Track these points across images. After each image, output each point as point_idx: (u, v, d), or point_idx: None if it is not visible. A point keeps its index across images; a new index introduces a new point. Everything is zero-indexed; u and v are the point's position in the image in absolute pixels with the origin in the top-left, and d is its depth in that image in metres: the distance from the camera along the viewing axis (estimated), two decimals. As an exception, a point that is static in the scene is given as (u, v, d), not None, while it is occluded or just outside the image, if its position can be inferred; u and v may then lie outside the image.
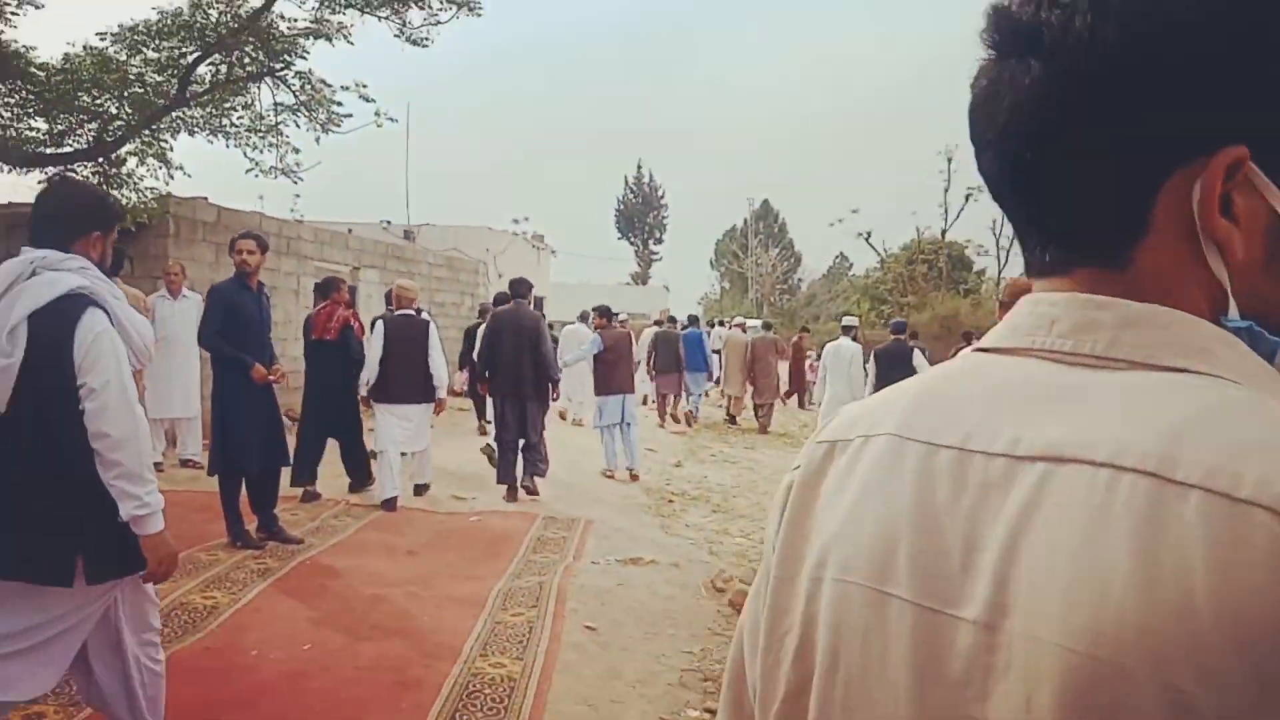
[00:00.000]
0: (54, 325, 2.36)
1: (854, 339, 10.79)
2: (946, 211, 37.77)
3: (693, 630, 4.67)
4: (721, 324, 21.69)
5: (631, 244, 60.03)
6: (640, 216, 59.71)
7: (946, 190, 37.41)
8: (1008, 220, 0.67)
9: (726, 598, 5.16)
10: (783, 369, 19.48)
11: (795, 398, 18.21)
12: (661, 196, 60.51)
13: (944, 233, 37.76)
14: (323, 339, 7.25)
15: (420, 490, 7.53)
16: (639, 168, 61.15)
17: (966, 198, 36.90)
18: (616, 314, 21.71)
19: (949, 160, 37.07)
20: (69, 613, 2.45)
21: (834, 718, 0.60)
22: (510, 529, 6.46)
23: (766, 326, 17.31)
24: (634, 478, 9.10)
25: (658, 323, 17.61)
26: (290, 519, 6.34)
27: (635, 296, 41.27)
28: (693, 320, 17.33)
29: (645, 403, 15.42)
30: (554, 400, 8.33)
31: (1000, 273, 39.75)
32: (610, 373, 9.37)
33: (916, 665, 0.56)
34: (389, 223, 20.57)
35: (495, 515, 6.92)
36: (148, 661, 2.67)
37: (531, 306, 8.31)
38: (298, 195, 29.36)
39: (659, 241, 60.35)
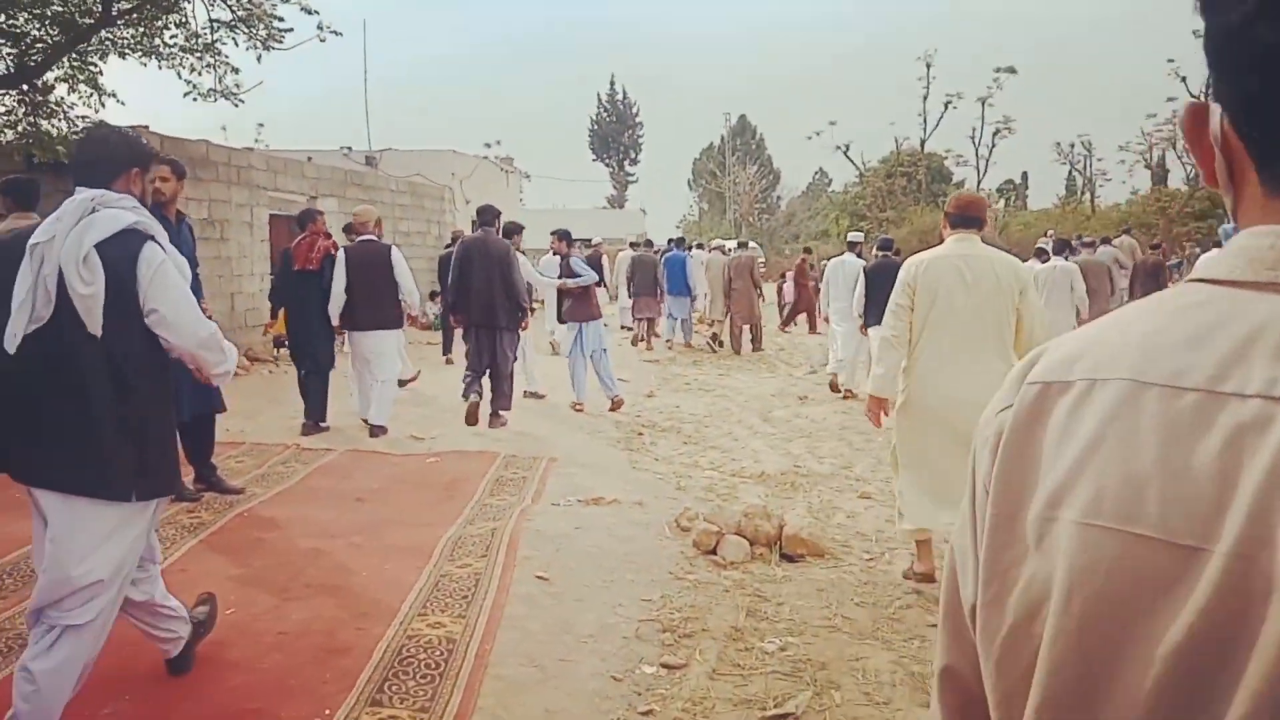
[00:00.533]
0: (118, 257, 2.61)
1: (858, 255, 10.62)
2: (925, 120, 37.02)
3: (653, 575, 4.40)
4: (700, 246, 21.12)
5: (606, 165, 58.82)
6: (615, 136, 58.36)
7: (925, 98, 36.59)
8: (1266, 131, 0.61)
9: (690, 538, 4.89)
10: (771, 291, 19.12)
11: (797, 320, 17.71)
12: (636, 114, 59.12)
13: (923, 143, 37.05)
14: (305, 269, 7.18)
15: (376, 432, 7.19)
16: (612, 84, 59.63)
17: (946, 105, 36.16)
18: (589, 239, 21.23)
19: (928, 66, 36.20)
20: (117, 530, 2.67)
21: (1075, 648, 0.61)
22: (468, 470, 6.15)
23: (742, 245, 16.76)
24: (617, 405, 8.75)
25: (634, 245, 17.12)
26: (235, 467, 6.02)
27: (611, 220, 40.50)
28: (677, 243, 16.74)
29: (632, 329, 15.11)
30: (524, 330, 8.03)
31: (980, 183, 39.27)
32: (585, 297, 8.92)
33: (1171, 598, 0.57)
34: (350, 149, 19.80)
35: (454, 456, 6.60)
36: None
37: (500, 233, 8.16)
38: (261, 125, 28.38)
39: (634, 162, 59.16)
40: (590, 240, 19.76)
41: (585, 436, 7.63)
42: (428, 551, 4.43)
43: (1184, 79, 37.63)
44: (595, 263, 17.14)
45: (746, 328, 14.31)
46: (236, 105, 11.24)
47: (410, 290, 7.40)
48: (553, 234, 8.93)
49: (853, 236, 11.91)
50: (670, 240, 19.09)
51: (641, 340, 14.62)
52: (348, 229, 8.22)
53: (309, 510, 5.19)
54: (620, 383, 10.17)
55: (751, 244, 24.76)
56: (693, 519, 5.13)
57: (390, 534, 4.74)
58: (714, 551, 4.77)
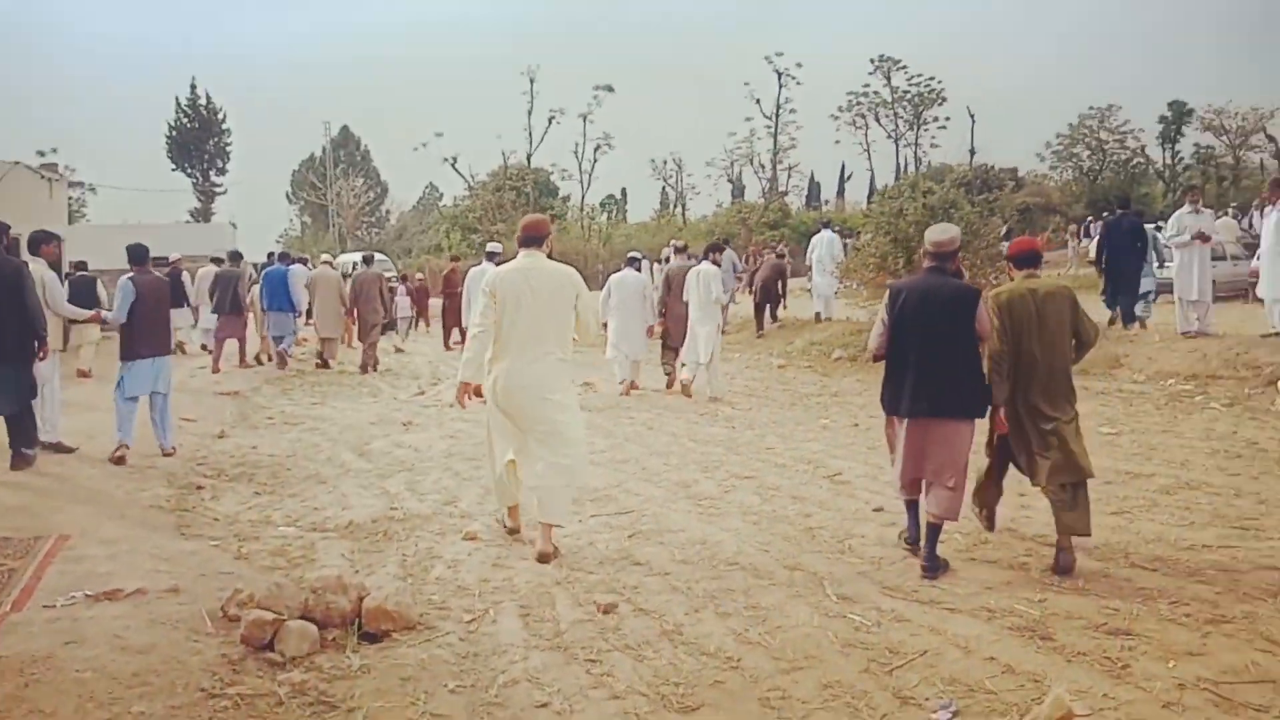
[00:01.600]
0: None
1: (497, 264, 10.08)
2: (531, 135, 37.60)
3: (175, 699, 3.21)
4: (300, 260, 19.21)
5: (189, 175, 52.83)
6: (198, 144, 52.51)
7: (530, 112, 37.16)
8: None
9: (239, 631, 3.74)
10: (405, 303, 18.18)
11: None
12: (222, 120, 53.73)
13: (529, 157, 37.61)
14: None
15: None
16: (193, 88, 53.66)
17: (550, 120, 37.00)
18: (164, 256, 18.43)
19: (531, 80, 36.77)
20: None
21: None
22: (-83, 571, 4.40)
23: (368, 260, 15.44)
24: (169, 455, 7.27)
25: (216, 260, 15.15)
26: None
27: (196, 235, 36.10)
28: (281, 257, 15.36)
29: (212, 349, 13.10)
30: (41, 360, 6.59)
31: (584, 197, 40.74)
32: (142, 329, 7.22)
33: None
34: None
35: (-98, 550, 4.76)
36: None
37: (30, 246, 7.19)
38: None
39: (222, 172, 53.71)
40: (166, 258, 17.09)
41: (119, 499, 6.02)
42: None
43: (758, 100, 42.11)
44: (176, 280, 14.89)
45: (369, 346, 13.61)
46: None
47: None
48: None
49: (491, 247, 12.19)
50: (271, 254, 17.30)
51: (222, 366, 12.78)
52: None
53: None
54: (185, 422, 8.57)
55: (379, 257, 23.34)
56: (244, 603, 3.98)
57: None
58: (270, 646, 3.68)
